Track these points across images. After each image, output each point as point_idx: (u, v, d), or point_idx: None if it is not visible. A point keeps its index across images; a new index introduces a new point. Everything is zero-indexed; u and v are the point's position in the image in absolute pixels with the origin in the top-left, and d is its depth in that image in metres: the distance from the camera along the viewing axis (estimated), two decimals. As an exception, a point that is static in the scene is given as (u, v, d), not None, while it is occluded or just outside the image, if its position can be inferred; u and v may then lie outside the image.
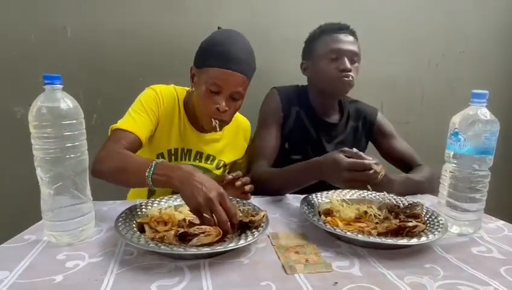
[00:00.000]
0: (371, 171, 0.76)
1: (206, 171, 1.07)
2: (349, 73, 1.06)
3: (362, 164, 0.76)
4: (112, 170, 0.79)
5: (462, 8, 1.63)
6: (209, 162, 1.08)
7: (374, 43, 1.56)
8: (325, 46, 1.08)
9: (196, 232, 0.60)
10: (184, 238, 0.61)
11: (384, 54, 1.60)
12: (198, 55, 0.95)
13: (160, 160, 0.75)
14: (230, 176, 0.91)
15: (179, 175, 0.69)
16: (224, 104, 0.92)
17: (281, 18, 1.48)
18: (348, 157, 0.79)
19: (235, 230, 0.67)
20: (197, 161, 1.07)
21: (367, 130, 1.21)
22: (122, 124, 0.92)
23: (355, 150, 0.80)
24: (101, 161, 0.81)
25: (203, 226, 0.63)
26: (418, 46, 1.63)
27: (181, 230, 0.62)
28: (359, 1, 1.53)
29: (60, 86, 0.64)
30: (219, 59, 0.89)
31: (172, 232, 0.62)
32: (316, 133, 1.17)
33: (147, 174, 0.71)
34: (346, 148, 0.82)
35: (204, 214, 0.64)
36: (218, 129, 0.97)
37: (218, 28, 0.99)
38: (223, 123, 0.98)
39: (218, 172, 1.10)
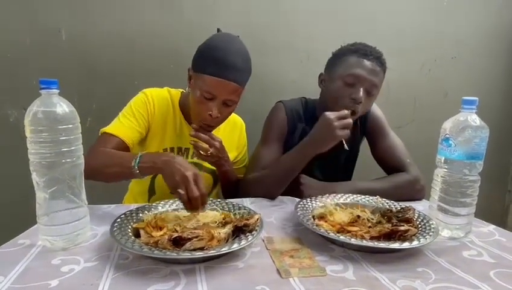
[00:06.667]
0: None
1: (204, 168, 1.09)
2: (357, 105, 1.01)
3: (343, 112, 0.92)
4: (98, 167, 0.83)
5: (454, 15, 1.66)
6: None
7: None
8: (347, 67, 1.02)
9: (189, 237, 0.61)
10: (178, 242, 0.61)
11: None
12: (195, 59, 0.96)
13: (144, 152, 0.86)
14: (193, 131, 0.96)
15: (162, 159, 0.79)
16: (216, 111, 0.94)
17: (278, 21, 1.49)
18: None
19: (204, 208, 0.76)
20: (195, 158, 1.08)
21: (361, 125, 1.18)
22: (109, 128, 0.96)
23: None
24: (87, 162, 0.83)
25: (196, 231, 0.63)
26: (411, 52, 1.65)
27: (175, 234, 0.62)
28: (353, 8, 1.55)
29: (56, 91, 0.64)
30: (214, 67, 0.90)
31: (167, 236, 0.62)
32: None
33: (133, 164, 0.80)
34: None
35: (179, 190, 0.72)
36: (207, 132, 1.03)
37: (218, 30, 1.00)
38: (213, 127, 1.02)
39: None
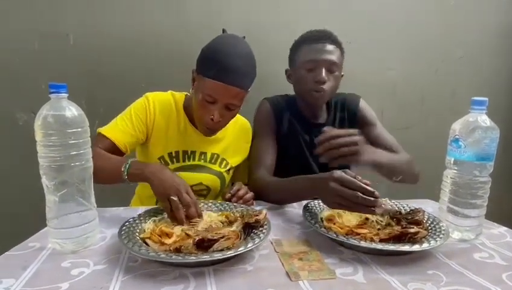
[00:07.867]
0: (360, 194, 0.69)
1: (210, 170, 1.08)
2: (322, 86, 1.06)
3: (353, 181, 0.70)
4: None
5: (461, 14, 1.65)
6: (213, 161, 1.09)
7: (373, 50, 1.58)
8: (303, 56, 1.10)
9: (215, 237, 0.61)
10: (201, 245, 0.61)
11: (384, 60, 1.61)
12: (198, 61, 0.95)
13: (134, 159, 0.86)
14: (228, 194, 0.92)
15: (150, 170, 0.80)
16: (218, 115, 0.93)
17: (282, 22, 1.48)
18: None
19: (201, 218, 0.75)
20: (202, 161, 1.07)
21: (350, 118, 1.21)
22: (104, 129, 0.97)
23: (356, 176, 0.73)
24: None
25: (222, 231, 0.63)
26: (418, 52, 1.64)
27: (197, 238, 0.61)
28: (358, 9, 1.54)
29: (65, 95, 0.64)
30: (216, 71, 0.89)
31: (190, 241, 0.62)
32: (309, 137, 1.19)
33: (122, 169, 0.82)
34: (349, 171, 0.74)
35: (171, 197, 0.73)
36: (210, 135, 1.04)
37: (223, 30, 1.00)
38: (215, 131, 1.02)
39: (223, 170, 1.10)
